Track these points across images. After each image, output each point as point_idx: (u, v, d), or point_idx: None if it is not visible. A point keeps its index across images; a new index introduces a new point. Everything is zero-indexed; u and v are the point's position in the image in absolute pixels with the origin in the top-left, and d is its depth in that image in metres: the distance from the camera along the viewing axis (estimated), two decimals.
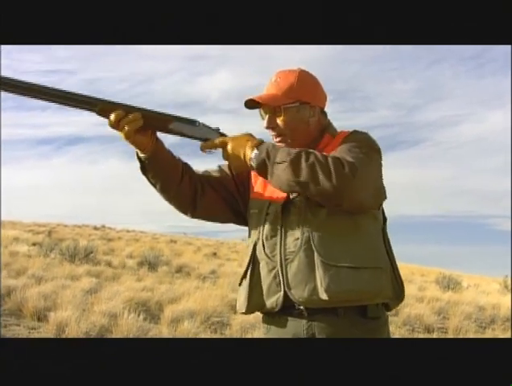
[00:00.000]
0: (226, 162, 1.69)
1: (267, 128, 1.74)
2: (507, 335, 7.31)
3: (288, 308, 1.63)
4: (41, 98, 1.55)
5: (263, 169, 1.58)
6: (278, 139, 1.73)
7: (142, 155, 1.68)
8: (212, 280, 11.14)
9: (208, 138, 1.68)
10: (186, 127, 1.67)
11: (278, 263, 1.64)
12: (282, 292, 1.63)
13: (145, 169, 1.71)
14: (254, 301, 1.70)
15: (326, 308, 1.58)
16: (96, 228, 29.60)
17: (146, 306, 7.08)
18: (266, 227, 1.70)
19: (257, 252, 1.72)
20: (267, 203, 1.72)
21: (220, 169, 1.86)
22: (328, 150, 1.66)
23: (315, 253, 1.59)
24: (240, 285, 1.78)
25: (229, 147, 1.64)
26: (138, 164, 1.72)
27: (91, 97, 1.59)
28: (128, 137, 1.61)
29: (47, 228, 23.44)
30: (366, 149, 1.63)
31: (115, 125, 1.60)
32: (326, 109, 1.80)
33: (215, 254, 20.87)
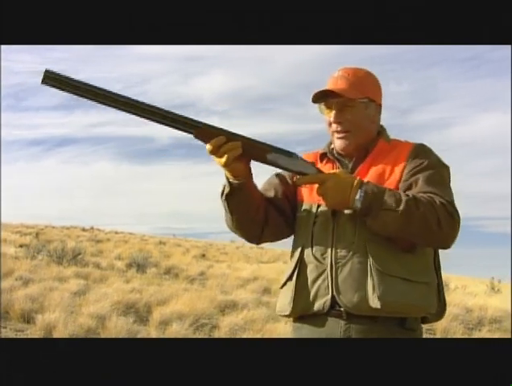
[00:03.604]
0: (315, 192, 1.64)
1: (335, 122, 1.71)
2: (494, 337, 7.35)
3: (329, 309, 1.62)
4: (134, 114, 1.52)
5: (367, 212, 1.55)
6: (341, 135, 1.72)
7: (234, 181, 1.62)
8: (200, 281, 11.13)
9: (303, 172, 1.63)
10: (283, 158, 1.62)
11: (329, 266, 1.62)
12: (330, 295, 1.61)
13: (232, 195, 1.64)
14: (301, 304, 1.66)
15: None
16: (84, 230, 29.40)
17: (134, 308, 7.04)
18: (316, 230, 1.68)
19: (304, 255, 1.69)
20: (316, 206, 1.71)
21: (280, 180, 1.81)
22: (382, 158, 1.69)
23: (371, 260, 1.58)
24: (282, 287, 1.75)
25: (329, 185, 1.57)
26: (221, 189, 1.67)
27: (189, 118, 1.55)
28: (227, 164, 1.56)
29: (35, 230, 23.25)
30: (448, 177, 1.69)
31: (215, 152, 1.55)
32: None
33: (204, 256, 20.82)
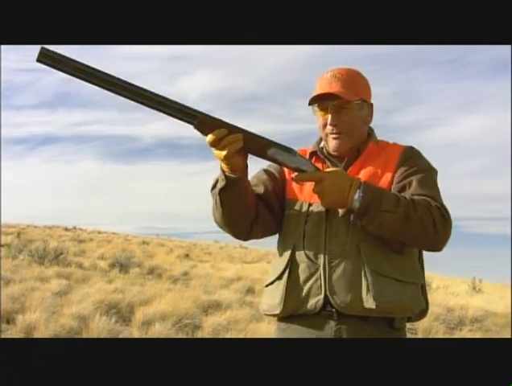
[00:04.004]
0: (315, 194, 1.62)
1: (331, 124, 1.70)
2: (475, 336, 7.43)
3: (320, 309, 1.61)
4: (136, 100, 1.46)
5: (365, 212, 1.54)
6: (336, 136, 1.70)
7: (231, 175, 1.57)
8: (184, 281, 11.09)
9: (301, 169, 1.62)
10: (282, 154, 1.60)
11: (321, 266, 1.61)
12: (322, 295, 1.59)
13: (226, 190, 1.60)
14: (292, 304, 1.63)
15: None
16: (67, 229, 29.15)
17: (116, 308, 6.99)
18: (308, 228, 1.67)
19: (296, 254, 1.67)
20: (307, 204, 1.70)
21: (269, 176, 1.79)
22: (373, 159, 1.70)
23: (365, 261, 1.58)
24: (268, 286, 1.73)
25: (327, 183, 1.56)
26: (213, 183, 1.64)
27: (190, 108, 1.50)
28: (228, 157, 1.51)
29: (17, 229, 22.98)
30: (436, 179, 1.70)
31: (215, 144, 1.50)
32: None
33: (187, 256, 20.77)
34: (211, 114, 1.51)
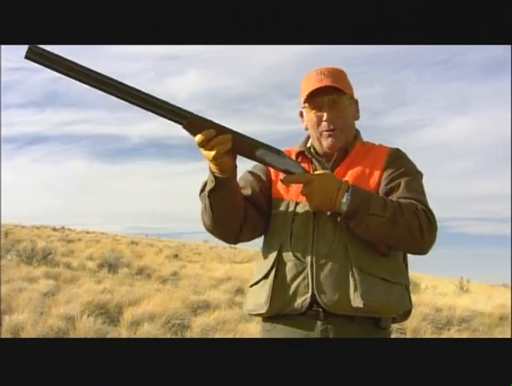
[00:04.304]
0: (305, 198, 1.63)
1: (326, 120, 1.70)
2: (463, 336, 7.48)
3: (307, 309, 1.60)
4: (125, 99, 1.45)
5: (352, 215, 1.55)
6: (331, 133, 1.70)
7: (220, 176, 1.57)
8: (173, 282, 11.07)
9: (289, 170, 1.63)
10: (271, 156, 1.61)
11: (309, 265, 1.61)
12: (310, 294, 1.58)
13: (215, 191, 1.59)
14: (279, 303, 1.62)
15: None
16: (55, 229, 28.98)
17: (105, 309, 6.96)
18: (295, 228, 1.66)
19: (283, 253, 1.66)
20: (294, 204, 1.70)
21: (255, 177, 1.79)
22: (360, 160, 1.71)
23: (352, 260, 1.58)
24: (253, 286, 1.72)
25: (315, 185, 1.56)
26: (202, 186, 1.64)
27: (180, 108, 1.49)
28: (216, 158, 1.51)
29: (4, 229, 22.80)
30: (422, 182, 1.71)
31: (204, 144, 1.50)
32: None
33: (177, 256, 20.71)
34: (200, 114, 1.51)
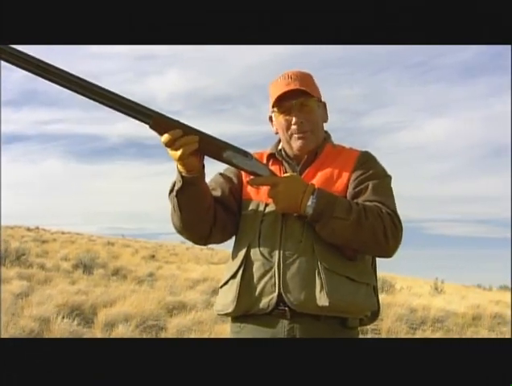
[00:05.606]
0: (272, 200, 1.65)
1: (296, 123, 1.72)
2: (437, 336, 7.57)
3: (273, 308, 1.61)
4: (89, 97, 1.44)
5: (318, 218, 1.57)
6: (301, 135, 1.73)
7: (187, 175, 1.58)
8: (149, 283, 10.97)
9: (257, 173, 1.64)
10: (238, 158, 1.62)
11: (276, 264, 1.62)
12: (276, 293, 1.59)
13: (183, 191, 1.60)
14: (245, 302, 1.63)
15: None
16: (29, 230, 28.57)
17: (79, 310, 6.87)
18: (264, 228, 1.68)
19: (251, 253, 1.67)
20: (263, 205, 1.71)
21: (225, 179, 1.80)
22: (330, 162, 1.72)
23: (319, 259, 1.59)
24: (222, 286, 1.73)
25: (281, 188, 1.59)
26: (171, 186, 1.64)
27: (146, 108, 1.49)
28: (182, 158, 1.52)
29: None
30: (391, 186, 1.74)
31: (170, 144, 1.50)
32: None
33: (153, 257, 20.59)
34: (166, 114, 1.52)
